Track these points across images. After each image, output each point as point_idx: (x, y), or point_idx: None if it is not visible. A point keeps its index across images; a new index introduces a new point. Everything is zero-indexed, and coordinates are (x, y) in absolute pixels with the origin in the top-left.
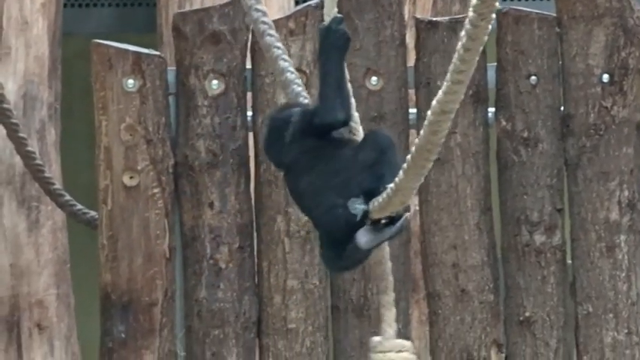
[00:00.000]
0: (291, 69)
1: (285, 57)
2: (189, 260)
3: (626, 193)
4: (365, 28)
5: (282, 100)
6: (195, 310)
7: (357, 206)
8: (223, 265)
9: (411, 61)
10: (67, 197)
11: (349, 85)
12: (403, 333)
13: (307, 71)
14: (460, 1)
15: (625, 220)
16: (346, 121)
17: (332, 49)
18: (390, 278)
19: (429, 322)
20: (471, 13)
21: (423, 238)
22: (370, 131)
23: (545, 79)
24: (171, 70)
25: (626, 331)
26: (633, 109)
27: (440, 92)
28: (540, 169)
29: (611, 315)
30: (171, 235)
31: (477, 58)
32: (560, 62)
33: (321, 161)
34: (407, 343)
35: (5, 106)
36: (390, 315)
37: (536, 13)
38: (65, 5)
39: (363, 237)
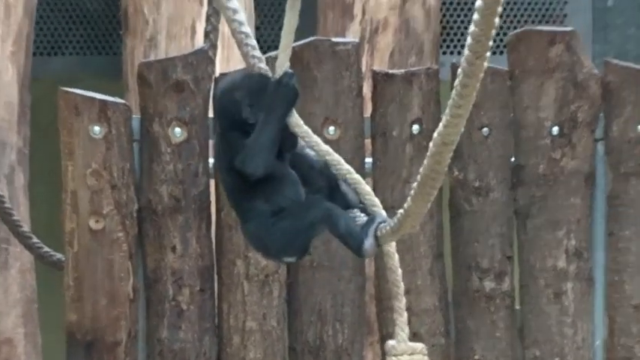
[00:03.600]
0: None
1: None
2: (152, 301)
3: (573, 242)
4: (323, 79)
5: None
6: (157, 349)
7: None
8: (185, 307)
9: (368, 112)
10: (35, 240)
11: (315, 137)
12: None
13: None
14: (416, 54)
15: (572, 268)
16: (262, 176)
17: (279, 102)
18: (402, 285)
19: None
20: (466, 52)
21: (377, 283)
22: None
23: (498, 130)
24: (136, 117)
25: None
26: (581, 161)
27: (440, 125)
28: (491, 217)
29: (557, 359)
30: (134, 277)
31: (475, 93)
32: (512, 114)
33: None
34: (419, 346)
35: None
36: (402, 320)
37: (490, 66)
38: (35, 54)
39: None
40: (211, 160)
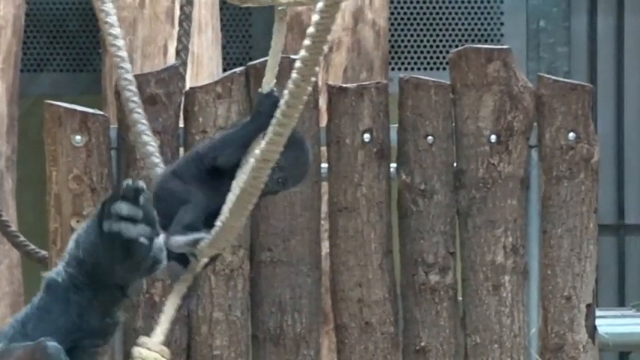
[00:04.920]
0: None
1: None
2: None
3: (510, 239)
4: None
5: None
6: (133, 338)
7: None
8: (157, 299)
9: (324, 122)
10: (22, 238)
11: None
12: (315, 359)
13: None
14: (367, 70)
15: (509, 263)
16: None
17: (261, 116)
18: (174, 299)
19: (337, 351)
20: (294, 74)
21: (332, 277)
22: None
23: (441, 138)
24: (114, 127)
25: (509, 359)
26: (517, 166)
27: (263, 142)
28: (435, 217)
29: (496, 345)
30: None
31: (295, 121)
32: (454, 124)
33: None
34: (167, 352)
35: None
36: (166, 326)
37: (433, 80)
38: (22, 70)
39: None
40: None
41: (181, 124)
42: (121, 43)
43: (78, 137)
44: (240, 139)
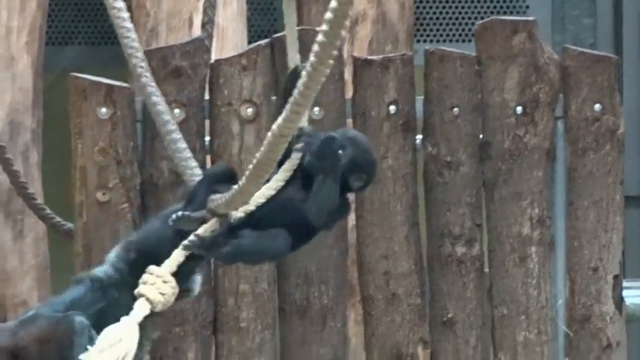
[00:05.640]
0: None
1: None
2: None
3: (536, 210)
4: None
5: (236, 126)
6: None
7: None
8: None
9: (349, 94)
10: (48, 211)
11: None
12: (342, 331)
13: (257, 102)
14: (392, 42)
15: (535, 234)
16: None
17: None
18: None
19: (364, 323)
20: (312, 57)
21: (358, 249)
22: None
23: (466, 110)
24: (139, 99)
25: (536, 331)
26: (543, 138)
27: (279, 118)
28: (461, 189)
29: (523, 317)
30: None
31: (314, 95)
32: (480, 96)
33: None
34: (174, 281)
35: None
36: (178, 258)
37: (458, 52)
38: (47, 43)
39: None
40: (207, 138)
41: (206, 97)
42: (126, 15)
43: (103, 110)
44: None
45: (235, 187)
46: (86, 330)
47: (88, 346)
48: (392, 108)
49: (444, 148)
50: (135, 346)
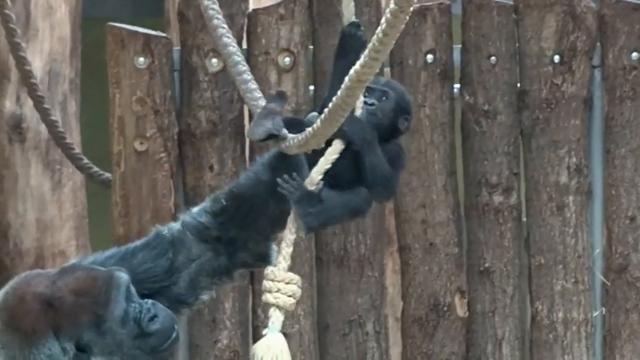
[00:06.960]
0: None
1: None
2: None
3: (574, 159)
4: None
5: (273, 75)
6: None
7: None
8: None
9: None
10: (86, 161)
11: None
12: (379, 281)
13: (295, 51)
14: None
15: (573, 183)
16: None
17: (348, 51)
18: (292, 227)
19: (401, 272)
20: (392, 5)
21: (395, 198)
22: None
23: (504, 59)
24: (177, 49)
25: (573, 280)
26: (580, 86)
27: (357, 64)
28: (499, 138)
29: (560, 266)
30: (176, 194)
31: (393, 42)
32: (517, 44)
33: None
34: (295, 277)
35: (32, 81)
36: (287, 250)
37: (496, 1)
38: None
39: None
40: None
41: (244, 46)
42: None
43: (141, 59)
44: (334, 78)
45: (309, 129)
46: (124, 286)
47: None
48: (429, 57)
49: (481, 97)
50: (289, 356)
